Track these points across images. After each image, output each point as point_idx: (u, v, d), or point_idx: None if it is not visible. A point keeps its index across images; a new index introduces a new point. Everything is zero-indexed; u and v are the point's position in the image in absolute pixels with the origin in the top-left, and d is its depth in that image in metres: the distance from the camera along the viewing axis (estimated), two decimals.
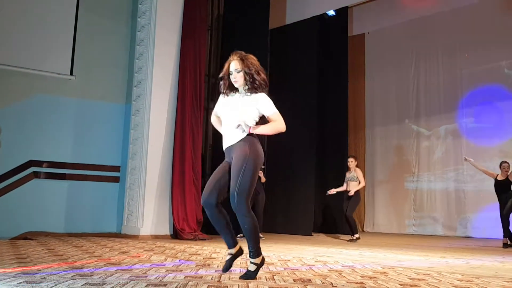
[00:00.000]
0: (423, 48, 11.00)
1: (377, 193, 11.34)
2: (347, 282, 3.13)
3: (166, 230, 7.32)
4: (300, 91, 9.46)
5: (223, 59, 8.95)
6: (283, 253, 5.12)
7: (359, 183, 7.84)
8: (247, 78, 3.23)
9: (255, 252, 3.15)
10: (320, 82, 9.94)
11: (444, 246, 7.29)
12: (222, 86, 3.34)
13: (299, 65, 9.59)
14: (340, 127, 10.36)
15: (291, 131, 9.50)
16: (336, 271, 3.72)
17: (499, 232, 7.43)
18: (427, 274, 3.65)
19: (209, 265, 3.87)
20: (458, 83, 10.38)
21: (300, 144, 9.22)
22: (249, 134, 3.19)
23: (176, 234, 7.15)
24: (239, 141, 3.17)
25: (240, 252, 3.25)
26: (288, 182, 9.25)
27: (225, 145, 3.27)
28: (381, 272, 3.70)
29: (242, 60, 3.27)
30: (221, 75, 3.33)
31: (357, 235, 7.70)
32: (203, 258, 4.36)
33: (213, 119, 3.52)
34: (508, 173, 7.37)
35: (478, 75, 10.04)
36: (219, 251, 5.14)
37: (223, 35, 9.53)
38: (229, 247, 3.23)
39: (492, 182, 7.72)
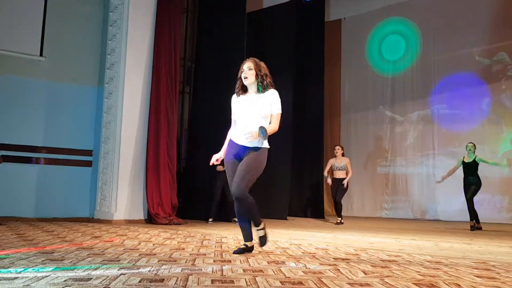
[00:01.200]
0: (398, 35, 11.11)
1: (352, 177, 11.47)
2: (320, 264, 3.16)
3: (140, 215, 7.25)
4: (276, 76, 9.33)
5: (200, 42, 8.95)
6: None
7: (347, 172, 8.16)
8: (258, 77, 3.57)
9: (258, 222, 3.64)
10: (296, 68, 9.94)
11: (414, 229, 7.47)
12: (236, 87, 3.70)
13: (275, 49, 9.55)
14: (316, 113, 10.42)
15: None
16: (309, 253, 3.76)
17: (467, 215, 7.64)
18: (398, 255, 3.73)
19: (183, 248, 3.85)
20: (431, 69, 10.54)
21: (277, 132, 9.22)
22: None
23: (151, 219, 7.10)
24: (258, 148, 3.56)
25: (252, 248, 3.66)
26: (265, 168, 9.25)
27: (242, 141, 3.55)
28: (353, 254, 3.76)
29: (255, 62, 3.62)
30: (239, 75, 3.65)
31: (341, 219, 8.12)
32: (178, 242, 4.34)
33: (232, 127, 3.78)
34: (475, 155, 7.53)
35: (451, 62, 10.21)
36: (193, 235, 5.14)
37: (200, 18, 9.40)
38: (246, 240, 3.65)
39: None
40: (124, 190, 7.13)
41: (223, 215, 7.85)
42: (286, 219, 8.77)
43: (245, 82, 3.59)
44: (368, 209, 10.99)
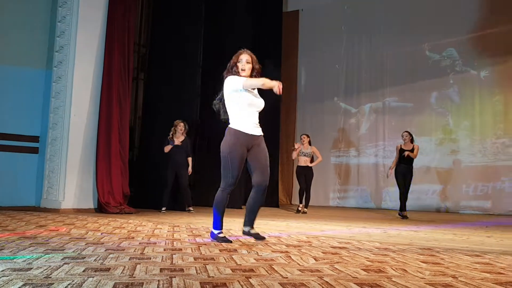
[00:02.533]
0: (354, 28, 11.29)
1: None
2: (272, 251, 3.17)
3: (89, 203, 7.03)
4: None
5: (155, 28, 8.72)
6: (211, 225, 5.09)
7: (312, 160, 8.39)
8: (253, 72, 3.69)
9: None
10: None
11: (365, 217, 7.66)
12: (230, 72, 3.73)
13: (232, 38, 9.45)
14: (273, 103, 10.39)
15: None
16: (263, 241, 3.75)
17: (415, 204, 7.92)
18: (348, 242, 3.80)
19: (133, 238, 3.76)
20: (383, 63, 10.79)
21: None
22: None
23: (101, 208, 6.88)
24: (262, 135, 3.74)
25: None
26: (219, 155, 9.18)
27: (252, 131, 3.66)
28: (305, 241, 3.79)
29: (252, 56, 3.74)
30: (231, 63, 3.76)
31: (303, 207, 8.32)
32: (128, 231, 4.23)
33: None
34: (408, 143, 7.72)
35: (402, 56, 10.50)
36: (145, 224, 5.03)
37: (155, 3, 9.14)
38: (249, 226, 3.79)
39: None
40: (72, 178, 6.87)
41: (176, 204, 7.74)
42: (241, 208, 8.76)
43: (243, 74, 3.66)
44: (321, 198, 11.17)
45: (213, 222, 3.69)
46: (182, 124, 7.51)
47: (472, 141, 9.69)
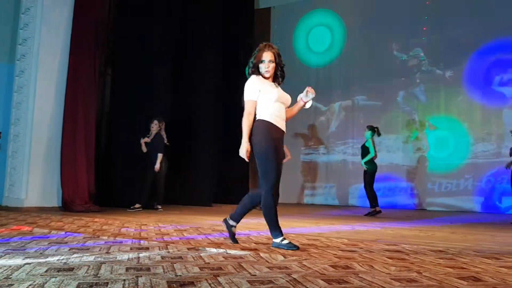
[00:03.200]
0: (323, 25, 11.39)
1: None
2: (241, 249, 3.15)
3: (54, 202, 6.84)
4: (205, 62, 9.28)
5: (124, 21, 8.52)
6: (180, 223, 5.04)
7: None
8: (277, 70, 3.46)
9: (272, 230, 3.38)
10: (224, 55, 9.83)
11: (334, 214, 7.75)
12: (253, 70, 3.44)
13: (203, 34, 9.38)
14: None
15: (194, 101, 9.34)
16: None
17: (381, 202, 8.04)
18: (317, 239, 3.83)
19: (98, 236, 3.67)
20: (353, 62, 10.93)
21: (203, 116, 9.11)
22: None
23: (66, 206, 6.70)
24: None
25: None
26: (190, 153, 9.11)
27: (282, 126, 3.44)
28: None
29: (276, 53, 3.46)
30: (253, 60, 3.44)
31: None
32: (93, 230, 4.14)
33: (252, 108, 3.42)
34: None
35: (371, 55, 10.65)
36: (111, 222, 4.92)
37: None
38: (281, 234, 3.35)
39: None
40: (36, 175, 6.67)
41: (147, 202, 7.64)
42: (211, 206, 8.72)
43: (267, 74, 3.42)
44: (291, 196, 11.23)
45: (270, 230, 3.34)
46: (155, 121, 7.45)
47: (437, 139, 9.94)
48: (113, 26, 8.72)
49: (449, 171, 9.70)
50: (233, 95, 10.29)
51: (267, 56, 3.41)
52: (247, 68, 3.50)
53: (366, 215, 7.51)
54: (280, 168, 3.33)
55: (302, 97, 3.52)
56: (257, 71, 3.43)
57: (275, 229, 3.30)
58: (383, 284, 2.11)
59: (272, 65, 3.42)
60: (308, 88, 3.47)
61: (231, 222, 3.55)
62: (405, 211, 9.37)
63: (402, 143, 10.28)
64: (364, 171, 7.75)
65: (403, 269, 2.50)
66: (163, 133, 7.54)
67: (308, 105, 3.57)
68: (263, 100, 3.36)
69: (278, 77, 3.48)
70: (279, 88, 3.50)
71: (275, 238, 3.29)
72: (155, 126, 7.43)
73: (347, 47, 11.05)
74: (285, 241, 3.23)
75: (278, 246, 3.23)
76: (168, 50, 8.84)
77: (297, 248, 3.16)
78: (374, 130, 7.84)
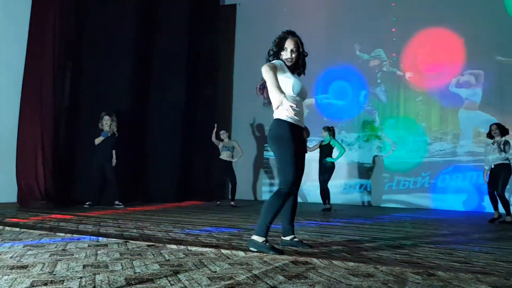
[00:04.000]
0: (288, 24, 11.41)
1: (239, 162, 11.68)
2: (202, 245, 3.14)
3: (9, 197, 6.59)
4: (171, 59, 9.15)
5: (86, 15, 8.29)
6: (140, 220, 4.97)
7: (233, 155, 8.56)
8: (300, 60, 3.27)
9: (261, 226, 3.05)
10: (190, 51, 9.74)
11: (298, 210, 7.80)
12: (271, 55, 3.28)
13: (169, 32, 9.25)
14: (210, 96, 10.38)
15: (158, 97, 9.17)
16: (193, 235, 3.72)
17: (341, 199, 8.20)
18: (279, 236, 3.85)
19: (55, 233, 3.56)
20: (316, 61, 11.04)
21: (168, 111, 8.99)
22: None
23: (22, 202, 6.48)
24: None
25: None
26: (153, 150, 8.97)
27: (301, 123, 3.20)
28: (237, 235, 3.80)
29: (299, 41, 3.29)
30: (275, 49, 3.27)
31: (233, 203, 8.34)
32: (50, 227, 4.02)
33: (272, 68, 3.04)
34: (330, 138, 8.00)
35: (334, 55, 10.81)
36: (69, 219, 4.79)
37: None
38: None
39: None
40: None
41: (103, 199, 7.47)
42: (173, 203, 8.63)
43: (289, 63, 3.22)
44: (250, 192, 11.29)
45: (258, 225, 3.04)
46: (107, 117, 7.28)
47: (396, 138, 10.21)
48: (75, 16, 8.46)
49: (407, 169, 10.00)
50: (198, 92, 10.24)
51: (290, 44, 3.23)
52: (266, 58, 3.30)
53: (322, 211, 7.65)
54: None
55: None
56: (276, 57, 3.25)
57: (265, 229, 2.99)
58: (341, 279, 2.16)
59: (296, 54, 3.24)
60: None
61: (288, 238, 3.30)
62: (364, 207, 9.60)
63: (363, 141, 10.51)
64: (325, 168, 7.88)
65: (361, 264, 2.56)
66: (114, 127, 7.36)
67: None
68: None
69: (299, 67, 3.30)
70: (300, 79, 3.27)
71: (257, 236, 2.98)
72: (108, 123, 7.27)
73: (310, 44, 11.16)
74: (267, 244, 2.94)
75: (258, 247, 2.91)
76: (132, 45, 8.67)
77: (281, 252, 2.87)
78: (331, 131, 7.98)
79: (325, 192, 7.85)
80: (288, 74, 3.19)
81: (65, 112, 8.39)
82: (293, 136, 3.09)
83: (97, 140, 7.18)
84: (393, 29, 10.44)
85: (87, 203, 6.99)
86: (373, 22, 10.49)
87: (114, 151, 7.31)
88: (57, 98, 7.51)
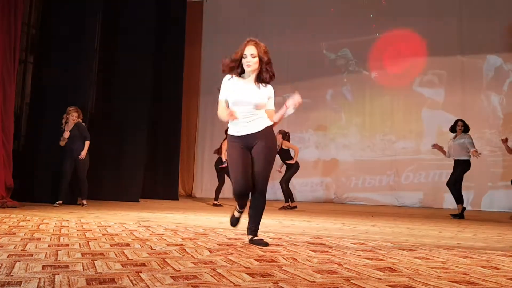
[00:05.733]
0: (256, 23, 11.47)
1: (206, 159, 11.63)
2: (167, 244, 3.11)
3: None
4: (135, 56, 9.00)
5: (47, 7, 8.05)
6: (104, 219, 4.88)
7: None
8: (262, 66, 3.24)
9: (257, 230, 3.34)
10: (156, 47, 9.62)
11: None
12: (227, 68, 3.28)
13: (134, 28, 9.10)
14: (175, 93, 10.28)
15: (121, 95, 9.03)
16: (157, 234, 3.68)
17: (307, 196, 8.29)
18: (245, 233, 3.85)
19: (14, 233, 3.46)
20: (284, 59, 11.11)
21: (132, 109, 8.85)
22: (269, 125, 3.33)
23: None
24: (266, 128, 3.27)
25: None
26: (117, 147, 8.81)
27: (245, 131, 3.21)
28: (202, 234, 3.79)
29: (259, 47, 3.24)
30: (233, 57, 3.26)
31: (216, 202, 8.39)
32: (9, 227, 3.89)
33: (222, 108, 3.24)
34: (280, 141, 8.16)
35: (302, 54, 10.91)
36: (29, 219, 4.66)
37: None
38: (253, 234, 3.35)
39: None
40: None
41: (71, 197, 7.30)
42: (139, 201, 8.51)
43: (248, 69, 3.24)
44: (223, 190, 11.25)
45: (257, 227, 3.36)
46: (75, 113, 7.07)
47: (362, 137, 10.40)
48: (36, 10, 8.22)
49: (373, 167, 10.20)
50: (163, 89, 10.13)
51: (249, 50, 3.24)
52: (228, 64, 3.34)
53: (281, 208, 7.75)
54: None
55: (288, 105, 3.42)
56: (237, 68, 3.28)
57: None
58: (305, 276, 2.18)
59: (255, 60, 3.23)
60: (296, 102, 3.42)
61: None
62: (329, 204, 9.74)
63: (329, 139, 10.65)
64: (288, 168, 7.97)
65: (325, 261, 2.59)
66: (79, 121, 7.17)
67: (289, 111, 3.44)
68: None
69: (262, 74, 3.29)
70: (257, 86, 3.30)
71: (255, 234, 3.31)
72: (74, 116, 7.05)
73: (276, 44, 11.22)
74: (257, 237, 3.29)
75: (257, 242, 3.21)
76: (96, 40, 8.49)
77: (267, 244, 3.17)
78: (286, 135, 8.12)
79: (287, 191, 7.96)
80: (233, 86, 3.26)
81: (26, 108, 8.16)
82: (233, 146, 3.26)
83: (62, 143, 6.99)
84: (374, 25, 10.57)
85: (57, 202, 6.80)
86: (340, 21, 10.64)
87: (87, 142, 7.06)
88: (18, 94, 7.27)
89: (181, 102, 10.46)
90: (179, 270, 2.23)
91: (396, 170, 9.97)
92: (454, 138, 7.04)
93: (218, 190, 8.54)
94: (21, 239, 3.14)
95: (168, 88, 10.18)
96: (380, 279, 2.16)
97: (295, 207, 7.86)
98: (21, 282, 1.90)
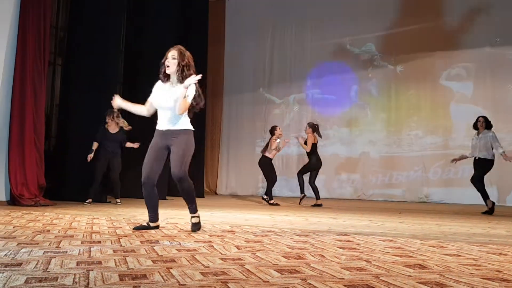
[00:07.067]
0: (279, 20, 11.47)
1: (231, 156, 11.70)
2: (195, 241, 3.16)
3: (1, 196, 6.54)
4: (159, 56, 9.09)
5: (74, 11, 8.23)
6: (133, 217, 4.98)
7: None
8: (179, 68, 3.61)
9: (196, 208, 3.76)
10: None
11: (288, 205, 7.86)
12: (161, 72, 3.73)
13: (158, 28, 9.21)
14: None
15: (149, 95, 9.13)
16: (185, 231, 3.73)
17: (333, 193, 8.24)
18: (271, 230, 3.88)
19: (48, 231, 3.56)
20: (307, 56, 11.08)
21: None
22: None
23: (14, 200, 6.45)
24: (183, 129, 3.67)
25: (156, 227, 3.85)
26: (142, 147, 8.92)
27: (164, 127, 3.69)
28: (228, 231, 3.82)
29: (180, 51, 3.65)
30: (162, 61, 3.69)
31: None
32: (43, 224, 4.01)
33: (147, 105, 3.87)
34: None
35: (325, 49, 10.84)
36: (62, 217, 4.79)
37: None
38: (152, 221, 3.84)
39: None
40: None
41: (100, 196, 7.47)
42: (166, 199, 8.63)
43: (167, 71, 3.65)
44: (247, 187, 11.31)
45: (195, 207, 3.80)
46: (112, 115, 7.25)
47: (388, 132, 10.27)
48: (63, 13, 8.41)
49: (399, 163, 10.06)
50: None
51: (170, 53, 3.65)
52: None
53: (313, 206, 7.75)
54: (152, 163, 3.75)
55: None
56: (163, 73, 3.70)
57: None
58: (334, 273, 2.18)
59: (173, 61, 3.62)
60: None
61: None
62: (356, 201, 9.66)
63: (355, 136, 10.56)
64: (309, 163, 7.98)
65: (353, 258, 2.58)
66: (118, 121, 7.32)
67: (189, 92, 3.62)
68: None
69: (179, 75, 3.63)
70: (175, 88, 3.65)
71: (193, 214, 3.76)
72: (113, 120, 7.25)
73: (300, 40, 11.18)
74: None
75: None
76: (121, 40, 8.63)
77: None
78: (315, 127, 8.12)
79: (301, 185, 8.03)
80: (157, 86, 3.80)
81: (56, 109, 8.37)
82: (154, 140, 3.74)
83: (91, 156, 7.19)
84: (387, 24, 10.47)
85: (87, 201, 6.98)
86: (363, 17, 10.52)
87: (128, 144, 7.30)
88: (48, 96, 7.47)
89: (205, 101, 10.54)
90: (208, 267, 2.26)
91: (423, 166, 9.81)
92: (478, 135, 6.91)
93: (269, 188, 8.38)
94: (55, 236, 3.23)
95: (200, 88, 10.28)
96: (410, 276, 2.15)
97: (304, 196, 8.05)
98: (57, 278, 1.96)
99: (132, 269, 2.17)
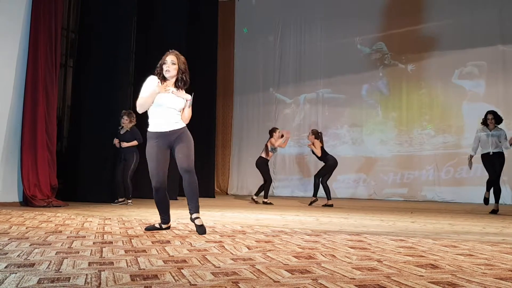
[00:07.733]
0: (289, 19, 11.45)
1: (242, 157, 11.71)
2: (206, 241, 3.16)
3: (14, 197, 6.63)
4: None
5: (85, 13, 8.31)
6: (144, 217, 5.00)
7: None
8: (179, 73, 3.73)
9: (199, 206, 3.72)
10: (189, 48, 9.74)
11: (299, 205, 7.85)
12: (156, 73, 3.76)
13: (167, 29, 9.25)
14: (209, 93, 10.38)
15: None
16: (196, 232, 3.74)
17: (344, 193, 8.21)
18: (282, 230, 3.88)
19: (60, 231, 3.60)
20: (317, 55, 11.04)
21: None
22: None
23: (27, 201, 6.52)
24: (183, 126, 3.81)
25: (167, 228, 3.90)
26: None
27: (167, 128, 3.72)
28: (239, 231, 3.82)
29: (178, 57, 3.76)
30: (159, 64, 3.76)
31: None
32: (55, 225, 4.05)
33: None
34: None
35: (336, 49, 10.80)
36: (74, 217, 4.83)
37: None
38: (164, 223, 3.87)
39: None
40: None
41: (112, 196, 7.53)
42: (177, 199, 8.67)
43: (166, 75, 3.71)
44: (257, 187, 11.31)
45: (197, 206, 3.77)
46: (126, 117, 7.31)
47: (399, 131, 10.20)
48: (74, 15, 8.49)
49: (411, 162, 9.99)
50: (198, 89, 10.24)
51: (169, 58, 3.72)
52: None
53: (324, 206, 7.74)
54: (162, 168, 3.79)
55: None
56: (159, 75, 3.73)
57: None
58: (345, 273, 2.17)
59: (174, 66, 3.70)
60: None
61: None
62: (367, 201, 9.60)
63: (365, 135, 10.51)
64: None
65: (364, 258, 2.57)
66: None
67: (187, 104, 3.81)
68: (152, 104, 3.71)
69: (178, 81, 3.74)
70: (177, 92, 3.74)
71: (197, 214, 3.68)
72: (125, 120, 7.31)
73: (310, 39, 11.16)
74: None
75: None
76: (131, 41, 8.69)
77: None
78: (319, 134, 8.13)
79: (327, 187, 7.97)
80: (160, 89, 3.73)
81: (67, 110, 8.45)
82: (154, 143, 3.75)
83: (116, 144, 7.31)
84: (397, 23, 10.40)
85: (120, 199, 7.16)
86: (374, 16, 10.47)
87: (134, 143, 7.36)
88: (59, 97, 7.54)
89: (215, 101, 10.56)
90: (219, 267, 2.26)
91: (436, 165, 9.73)
92: (490, 130, 6.82)
93: (267, 188, 8.51)
94: (67, 237, 3.26)
95: (202, 87, 10.29)
96: (422, 276, 2.13)
97: (315, 200, 8.01)
98: (69, 278, 1.98)
99: (144, 269, 2.18)
